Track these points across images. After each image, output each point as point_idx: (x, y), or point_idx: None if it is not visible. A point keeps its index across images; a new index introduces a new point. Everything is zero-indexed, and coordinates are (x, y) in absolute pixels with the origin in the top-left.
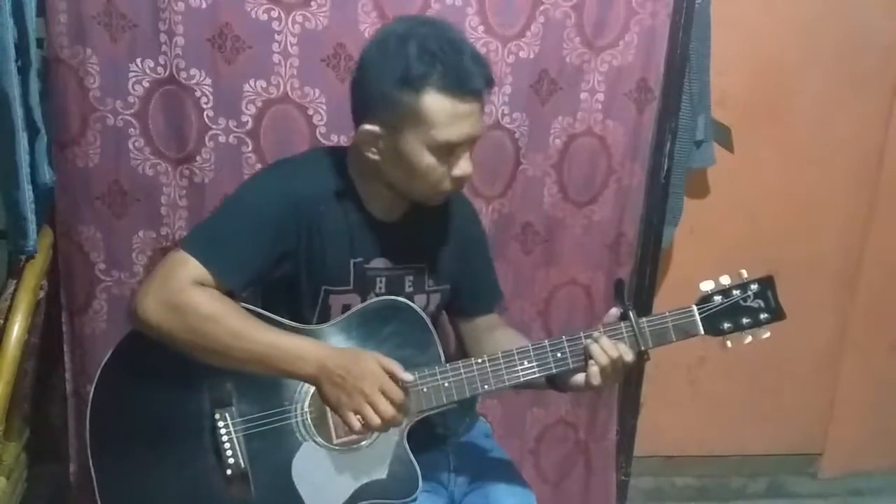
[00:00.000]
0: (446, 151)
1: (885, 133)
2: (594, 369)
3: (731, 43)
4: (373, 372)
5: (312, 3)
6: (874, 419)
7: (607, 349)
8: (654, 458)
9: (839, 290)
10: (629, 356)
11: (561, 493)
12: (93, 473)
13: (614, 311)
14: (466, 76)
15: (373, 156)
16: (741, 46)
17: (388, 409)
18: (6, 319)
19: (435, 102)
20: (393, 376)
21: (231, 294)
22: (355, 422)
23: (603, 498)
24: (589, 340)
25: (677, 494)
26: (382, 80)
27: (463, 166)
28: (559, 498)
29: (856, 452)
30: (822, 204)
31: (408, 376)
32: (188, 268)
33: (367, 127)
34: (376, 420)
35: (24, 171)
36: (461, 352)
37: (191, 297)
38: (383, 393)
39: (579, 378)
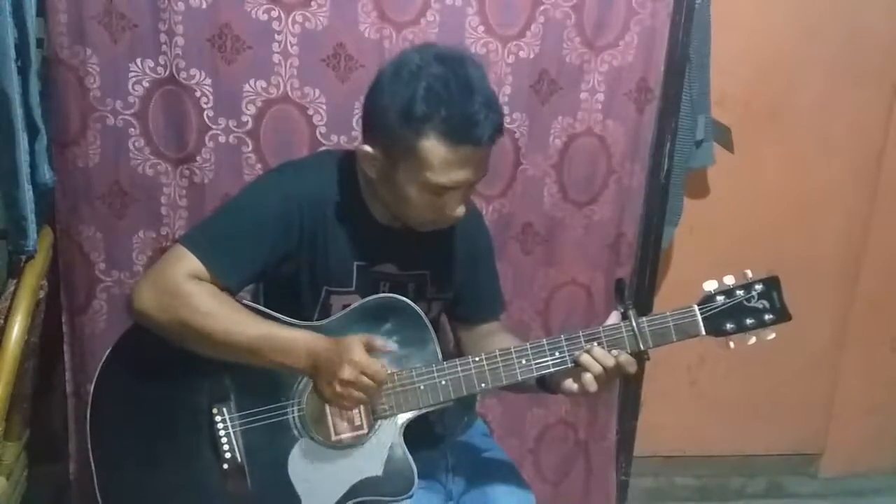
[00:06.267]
0: (440, 192)
1: (885, 133)
2: (588, 377)
3: (731, 43)
4: (357, 359)
5: (312, 3)
6: (874, 419)
7: (600, 358)
8: (654, 458)
9: (839, 289)
10: (631, 367)
11: (561, 493)
12: (92, 467)
13: (615, 315)
14: (470, 125)
15: (370, 173)
16: (741, 46)
17: (369, 386)
18: (6, 319)
19: (433, 147)
20: (374, 348)
21: (229, 291)
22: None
23: (603, 498)
24: (579, 352)
25: (677, 494)
26: (387, 110)
27: (455, 208)
28: (559, 498)
29: (856, 452)
30: (822, 204)
31: (391, 346)
32: (186, 262)
33: (367, 149)
34: (362, 397)
35: (24, 171)
36: (458, 354)
37: (186, 290)
38: (364, 374)
39: (572, 385)
